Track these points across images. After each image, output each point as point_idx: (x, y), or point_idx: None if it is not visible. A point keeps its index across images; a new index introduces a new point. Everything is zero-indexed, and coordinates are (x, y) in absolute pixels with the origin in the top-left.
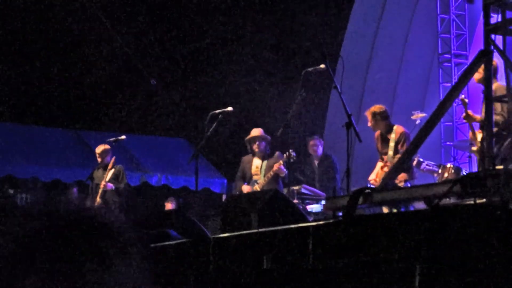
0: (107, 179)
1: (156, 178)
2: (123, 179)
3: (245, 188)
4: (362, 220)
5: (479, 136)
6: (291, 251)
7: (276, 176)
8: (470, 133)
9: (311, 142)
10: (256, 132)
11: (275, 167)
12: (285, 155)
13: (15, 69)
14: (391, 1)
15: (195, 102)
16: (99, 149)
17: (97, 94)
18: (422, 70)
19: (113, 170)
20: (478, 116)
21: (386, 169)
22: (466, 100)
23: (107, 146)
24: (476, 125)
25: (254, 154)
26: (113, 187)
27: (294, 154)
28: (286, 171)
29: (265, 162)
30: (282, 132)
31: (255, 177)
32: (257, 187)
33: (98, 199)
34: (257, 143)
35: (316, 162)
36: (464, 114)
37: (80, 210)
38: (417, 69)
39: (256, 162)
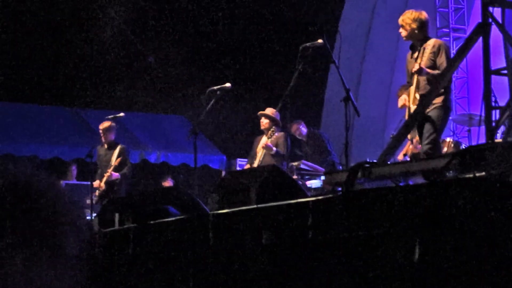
0: (113, 163)
1: (155, 155)
2: (127, 160)
3: (247, 166)
4: (361, 194)
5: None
6: (291, 227)
7: (270, 154)
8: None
9: (293, 128)
10: (267, 110)
11: (263, 144)
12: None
13: (14, 48)
14: None
15: (194, 79)
16: (102, 125)
17: (96, 72)
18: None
19: (117, 152)
20: (431, 70)
21: (411, 146)
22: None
23: (110, 123)
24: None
25: (264, 133)
26: (119, 176)
27: (276, 132)
28: (275, 149)
29: (268, 140)
30: (281, 107)
31: (258, 155)
32: (254, 164)
33: (102, 184)
34: (261, 120)
35: (304, 142)
36: (417, 66)
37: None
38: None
39: (263, 140)
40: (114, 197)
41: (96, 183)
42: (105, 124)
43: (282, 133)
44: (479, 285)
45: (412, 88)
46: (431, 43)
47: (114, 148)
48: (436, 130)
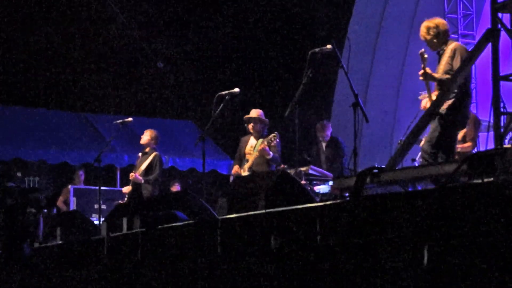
0: (142, 167)
1: (163, 160)
2: (156, 169)
3: (235, 169)
4: (369, 200)
5: (434, 97)
6: (299, 232)
7: (264, 158)
8: (425, 95)
9: (321, 127)
10: (253, 113)
11: (259, 148)
12: (268, 137)
13: (23, 54)
14: None
15: (202, 84)
16: (150, 132)
17: (104, 77)
18: (429, 50)
19: (150, 158)
20: (436, 74)
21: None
22: (426, 56)
23: (154, 132)
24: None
25: (251, 134)
26: (142, 180)
27: (278, 139)
28: (272, 154)
29: (259, 142)
30: (289, 113)
31: (247, 157)
32: (245, 167)
33: (130, 186)
34: (252, 124)
35: (324, 145)
36: (421, 71)
37: None
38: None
39: (252, 142)
40: (124, 202)
41: (125, 189)
42: (153, 131)
43: (275, 133)
44: None
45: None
46: (450, 47)
47: (149, 155)
48: (431, 144)
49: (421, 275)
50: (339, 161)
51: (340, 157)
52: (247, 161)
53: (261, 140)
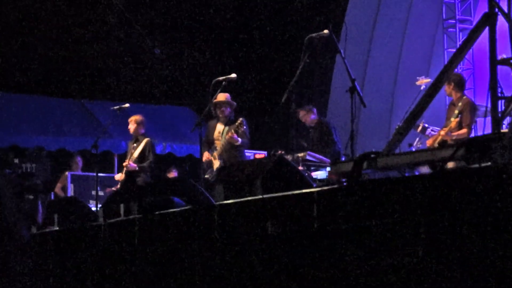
0: (135, 155)
1: (160, 146)
2: (150, 155)
3: (205, 155)
4: (366, 185)
5: None
6: (296, 217)
7: (232, 144)
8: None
9: (300, 113)
10: (221, 97)
11: (227, 136)
12: (235, 125)
13: (18, 40)
14: None
15: (199, 69)
16: (133, 118)
17: (101, 63)
18: (427, 36)
19: (141, 145)
20: None
21: (443, 132)
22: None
23: (142, 117)
24: None
25: (218, 119)
26: (136, 167)
27: (245, 124)
28: (240, 140)
29: (226, 128)
30: (286, 98)
31: (216, 143)
32: (215, 154)
33: (123, 175)
34: (222, 108)
35: (311, 130)
36: None
37: None
38: (421, 35)
39: (219, 127)
40: (118, 189)
41: (117, 176)
42: (137, 117)
43: (241, 120)
44: (482, 273)
45: None
46: None
47: (141, 141)
48: None
49: (417, 259)
50: (330, 145)
51: (330, 141)
52: (216, 147)
53: (227, 128)
